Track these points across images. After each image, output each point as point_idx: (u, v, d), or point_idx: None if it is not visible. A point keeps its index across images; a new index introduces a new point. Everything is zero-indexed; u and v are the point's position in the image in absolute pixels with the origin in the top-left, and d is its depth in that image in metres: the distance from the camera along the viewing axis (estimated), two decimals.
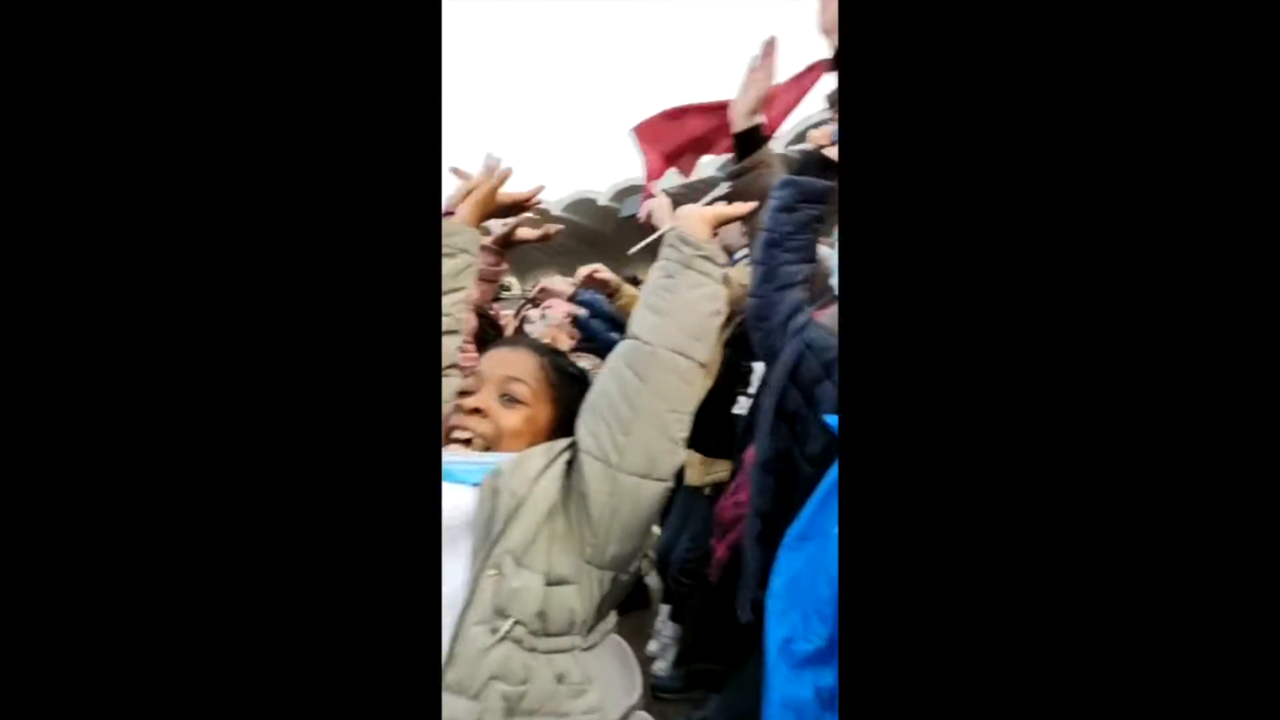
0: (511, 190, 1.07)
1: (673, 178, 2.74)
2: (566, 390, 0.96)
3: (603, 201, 21.89)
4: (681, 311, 0.86)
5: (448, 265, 0.98)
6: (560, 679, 0.75)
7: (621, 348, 0.86)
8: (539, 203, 1.12)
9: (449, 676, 0.70)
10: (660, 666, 2.52)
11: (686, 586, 2.27)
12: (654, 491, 0.82)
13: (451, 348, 1.00)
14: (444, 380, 0.97)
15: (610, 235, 21.54)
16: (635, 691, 0.86)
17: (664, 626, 2.56)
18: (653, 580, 2.98)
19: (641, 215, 2.30)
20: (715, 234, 0.96)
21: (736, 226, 2.37)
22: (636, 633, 2.39)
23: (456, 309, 0.99)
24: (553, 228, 1.47)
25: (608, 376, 0.85)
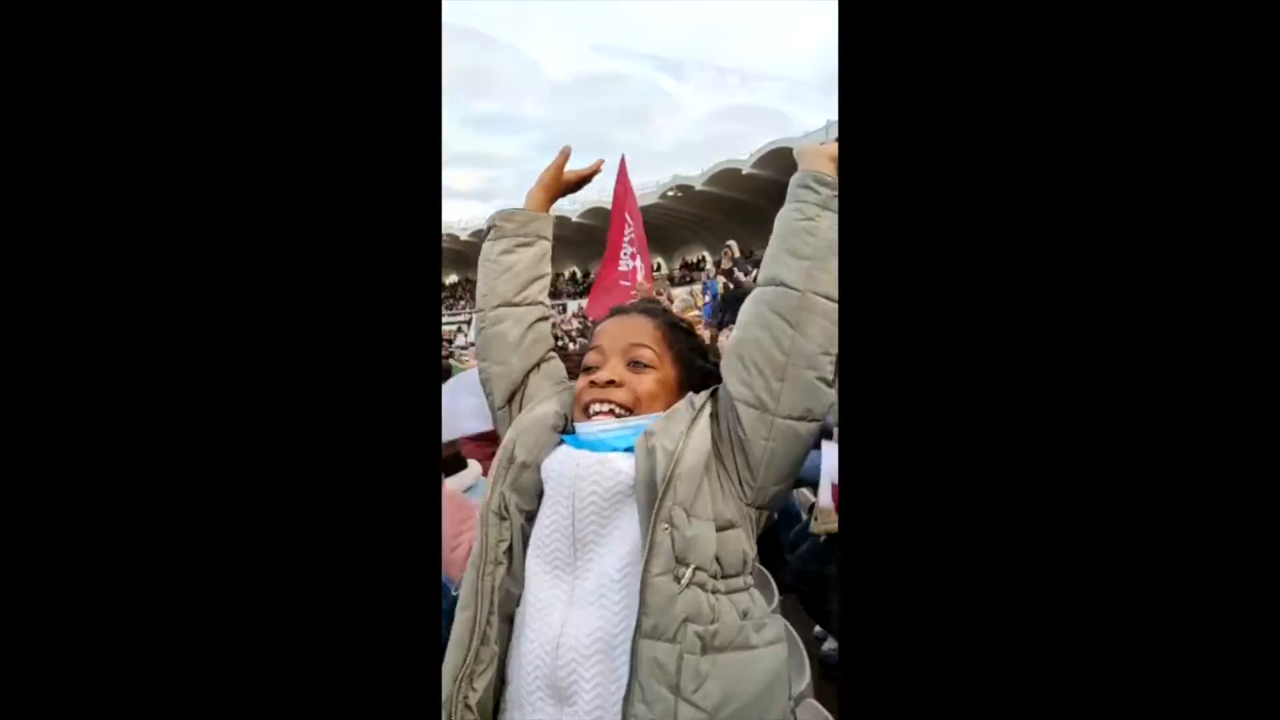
0: (575, 168, 1.11)
1: (809, 124, 2.62)
2: (682, 346, 0.97)
3: (747, 170, 21.31)
4: (825, 253, 0.85)
5: (528, 254, 1.04)
6: (745, 615, 0.80)
7: (766, 294, 0.86)
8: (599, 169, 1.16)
9: (645, 625, 0.75)
10: (830, 646, 2.44)
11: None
12: (809, 431, 0.85)
13: (545, 332, 1.04)
14: (549, 363, 1.03)
15: (752, 203, 20.97)
16: (804, 677, 0.83)
17: (833, 606, 2.47)
18: None
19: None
20: None
21: None
22: (800, 615, 2.33)
23: (545, 295, 1.04)
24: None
25: (754, 325, 0.86)
